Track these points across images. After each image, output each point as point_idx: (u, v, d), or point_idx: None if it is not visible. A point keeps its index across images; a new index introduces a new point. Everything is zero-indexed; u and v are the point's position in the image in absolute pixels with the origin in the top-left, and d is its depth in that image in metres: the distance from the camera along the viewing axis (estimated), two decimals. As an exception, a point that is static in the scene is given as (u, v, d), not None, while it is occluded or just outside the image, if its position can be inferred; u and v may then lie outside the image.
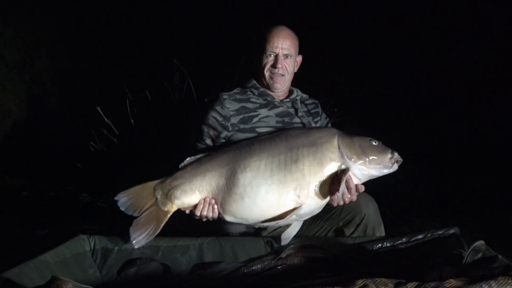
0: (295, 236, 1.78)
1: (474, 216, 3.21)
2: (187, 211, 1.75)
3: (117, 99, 3.62)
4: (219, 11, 5.17)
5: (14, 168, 4.15)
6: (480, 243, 1.49)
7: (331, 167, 1.67)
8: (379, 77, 4.78)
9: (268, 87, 2.09)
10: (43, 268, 1.46)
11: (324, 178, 1.66)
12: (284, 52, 2.02)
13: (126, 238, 1.69)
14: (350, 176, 1.65)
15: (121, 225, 1.70)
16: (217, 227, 1.95)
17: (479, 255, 1.45)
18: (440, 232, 1.72)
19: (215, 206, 1.70)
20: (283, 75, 2.05)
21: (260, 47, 2.04)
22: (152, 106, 3.69)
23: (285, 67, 2.04)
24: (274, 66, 2.02)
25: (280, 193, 1.65)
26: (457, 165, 3.89)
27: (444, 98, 4.71)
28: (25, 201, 3.50)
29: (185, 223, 1.91)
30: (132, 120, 3.57)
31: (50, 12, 5.12)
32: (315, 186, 1.65)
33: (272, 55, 2.03)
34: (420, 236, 1.73)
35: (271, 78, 2.05)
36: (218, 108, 2.02)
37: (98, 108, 3.50)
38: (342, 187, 1.60)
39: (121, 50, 5.13)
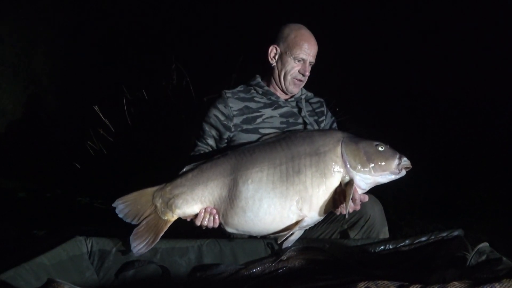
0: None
1: (478, 218, 3.19)
2: (188, 219, 1.72)
3: (114, 98, 3.59)
4: (218, 9, 5.16)
5: (10, 168, 4.13)
6: (484, 245, 1.48)
7: (334, 178, 1.63)
8: (381, 76, 4.77)
9: (283, 89, 2.05)
10: (39, 270, 1.43)
11: (327, 190, 1.62)
12: (311, 59, 2.00)
13: (124, 240, 1.67)
14: (355, 187, 1.61)
15: (119, 226, 1.68)
16: (218, 229, 1.93)
17: (483, 257, 1.44)
18: (444, 234, 1.70)
19: (216, 217, 1.67)
20: (303, 81, 2.04)
21: (288, 48, 1.98)
22: (150, 106, 3.67)
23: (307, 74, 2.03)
24: (302, 73, 2.00)
25: (283, 206, 1.62)
26: (461, 166, 3.87)
27: (447, 98, 4.70)
28: (22, 202, 3.47)
29: (184, 224, 1.88)
30: (129, 120, 3.54)
31: (47, 9, 5.09)
32: (318, 199, 1.62)
33: (301, 61, 1.99)
34: (423, 238, 1.71)
35: (293, 83, 2.02)
36: (220, 106, 1.97)
37: (96, 107, 3.48)
38: (348, 202, 1.56)
39: (119, 48, 5.10)
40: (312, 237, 1.93)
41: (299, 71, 2.00)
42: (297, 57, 1.97)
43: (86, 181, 3.39)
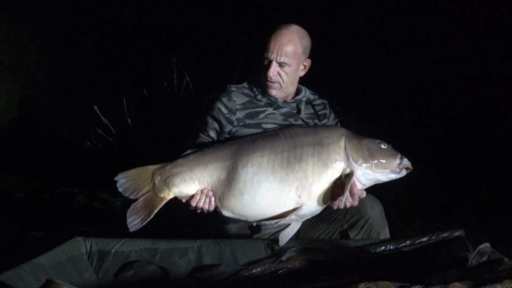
0: (296, 238, 1.75)
1: (479, 218, 3.17)
2: (183, 200, 1.72)
3: (114, 97, 3.58)
4: (218, 8, 5.14)
5: (9, 168, 4.11)
6: (485, 245, 1.47)
7: (336, 170, 1.63)
8: (383, 76, 4.75)
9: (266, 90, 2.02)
10: (38, 271, 1.43)
11: (327, 180, 1.62)
12: (279, 59, 1.88)
13: (123, 241, 1.66)
14: (354, 181, 1.61)
15: (118, 227, 1.67)
16: (217, 227, 1.93)
17: (485, 258, 1.43)
18: (445, 235, 1.70)
19: (212, 199, 1.68)
20: (276, 82, 1.95)
21: (261, 48, 1.94)
22: (150, 105, 3.66)
23: (279, 75, 1.93)
24: (265, 73, 1.92)
25: (281, 191, 1.62)
26: (462, 166, 3.86)
27: (449, 98, 4.68)
28: (20, 202, 3.46)
29: (184, 225, 1.88)
30: (129, 120, 3.53)
31: (45, 7, 5.06)
32: (318, 188, 1.62)
33: (266, 61, 1.91)
34: (424, 239, 1.71)
35: (266, 84, 1.97)
36: (224, 100, 1.97)
37: (95, 107, 3.46)
38: (346, 193, 1.57)
39: (119, 47, 5.08)
40: (312, 237, 1.93)
41: (264, 72, 1.93)
42: (263, 57, 1.92)
43: (85, 181, 3.37)
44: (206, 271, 1.64)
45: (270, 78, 1.92)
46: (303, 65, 2.01)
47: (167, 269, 1.65)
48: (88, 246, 1.65)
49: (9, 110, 4.72)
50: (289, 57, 1.90)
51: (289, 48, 1.89)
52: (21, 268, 1.39)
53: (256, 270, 1.64)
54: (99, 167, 3.43)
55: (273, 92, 1.99)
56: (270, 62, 1.90)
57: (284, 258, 1.65)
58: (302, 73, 2.04)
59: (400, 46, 4.91)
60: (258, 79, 2.03)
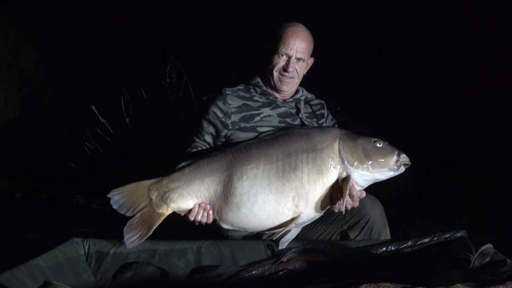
0: (297, 239, 1.74)
1: (481, 219, 3.16)
2: (182, 214, 1.71)
3: (112, 97, 3.57)
4: (217, 8, 5.14)
5: (6, 168, 4.10)
6: (488, 246, 1.46)
7: (332, 175, 1.61)
8: (384, 76, 4.75)
9: (274, 87, 2.03)
10: (35, 273, 1.42)
11: (324, 187, 1.61)
12: (298, 55, 1.95)
13: (122, 242, 1.64)
14: (352, 184, 1.59)
15: (116, 228, 1.66)
16: (217, 230, 1.91)
17: (487, 259, 1.43)
18: (447, 236, 1.69)
19: (210, 212, 1.66)
20: (292, 78, 1.99)
21: (273, 45, 1.97)
22: (148, 105, 3.65)
23: (296, 70, 1.98)
24: (285, 68, 1.96)
25: (278, 202, 1.60)
26: (464, 166, 3.84)
27: (451, 98, 4.68)
28: (18, 203, 3.45)
29: (183, 226, 1.86)
30: (127, 120, 3.52)
31: (42, 6, 5.04)
32: (315, 195, 1.60)
33: (285, 56, 1.96)
34: (426, 240, 1.70)
35: (280, 79, 1.99)
36: (219, 103, 1.97)
37: (93, 107, 3.45)
38: (345, 198, 1.55)
39: (117, 47, 5.07)
40: (310, 238, 1.92)
41: (282, 67, 1.97)
42: (280, 52, 1.95)
43: (84, 181, 3.36)
44: (206, 272, 1.63)
45: (289, 72, 1.96)
46: (308, 63, 2.06)
47: (166, 271, 1.64)
48: (86, 247, 1.64)
49: (6, 110, 4.70)
50: (305, 52, 1.98)
51: (305, 45, 1.96)
52: (19, 269, 1.38)
53: (256, 271, 1.63)
54: (97, 168, 3.42)
55: (286, 88, 2.02)
56: (290, 57, 1.95)
57: (284, 259, 1.65)
58: (305, 71, 2.08)
59: (401, 46, 4.91)
60: (264, 76, 2.05)
